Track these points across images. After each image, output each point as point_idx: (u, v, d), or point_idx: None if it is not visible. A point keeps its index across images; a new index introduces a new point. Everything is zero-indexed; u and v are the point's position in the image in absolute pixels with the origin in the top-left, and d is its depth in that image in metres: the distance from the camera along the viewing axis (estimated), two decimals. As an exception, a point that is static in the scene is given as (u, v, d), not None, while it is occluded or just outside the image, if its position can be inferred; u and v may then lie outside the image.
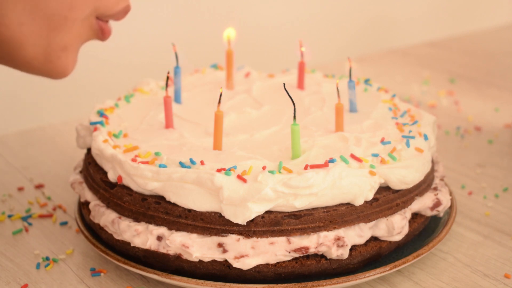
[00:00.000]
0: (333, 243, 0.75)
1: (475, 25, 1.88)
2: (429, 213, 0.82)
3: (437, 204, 0.82)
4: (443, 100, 1.26)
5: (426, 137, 0.83)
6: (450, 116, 1.19)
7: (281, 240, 0.74)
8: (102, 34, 0.76)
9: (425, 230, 0.84)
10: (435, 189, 0.84)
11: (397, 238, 0.78)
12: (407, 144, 0.81)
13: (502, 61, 1.45)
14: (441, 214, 0.84)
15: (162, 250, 0.76)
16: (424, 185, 0.82)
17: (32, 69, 0.74)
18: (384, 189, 0.78)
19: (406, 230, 0.79)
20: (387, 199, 0.78)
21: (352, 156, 0.78)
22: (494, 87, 1.31)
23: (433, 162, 0.86)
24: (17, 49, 0.71)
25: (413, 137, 0.82)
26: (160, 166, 0.76)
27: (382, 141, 0.82)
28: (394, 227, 0.78)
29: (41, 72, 0.74)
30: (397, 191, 0.79)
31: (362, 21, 1.84)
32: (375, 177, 0.77)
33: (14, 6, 0.69)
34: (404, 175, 0.78)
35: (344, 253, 0.75)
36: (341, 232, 0.75)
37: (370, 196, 0.76)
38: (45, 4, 0.70)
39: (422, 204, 0.82)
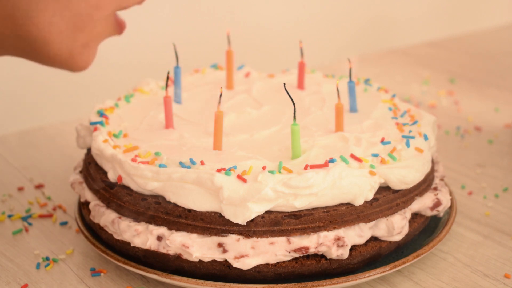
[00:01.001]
0: (333, 243, 0.75)
1: (475, 25, 1.88)
2: (429, 213, 0.82)
3: (437, 204, 0.82)
4: (443, 100, 1.26)
5: (426, 137, 0.83)
6: (450, 116, 1.19)
7: (281, 240, 0.74)
8: (120, 30, 0.78)
9: (425, 230, 0.84)
10: (435, 189, 0.84)
11: (397, 238, 0.78)
12: (407, 144, 0.81)
13: (502, 61, 1.45)
14: (441, 214, 0.84)
15: (162, 250, 0.76)
16: (424, 185, 0.82)
17: (54, 64, 0.75)
18: (384, 189, 0.78)
19: (406, 230, 0.79)
20: (387, 199, 0.78)
21: (352, 156, 0.78)
22: (494, 87, 1.31)
23: (433, 162, 0.86)
24: (43, 46, 0.72)
25: (413, 137, 0.82)
26: (160, 166, 0.76)
27: (382, 141, 0.82)
28: (394, 227, 0.78)
29: (62, 66, 0.76)
30: (397, 191, 0.79)
31: (362, 21, 1.84)
32: (375, 177, 0.77)
33: (46, 6, 0.70)
34: (404, 175, 0.78)
35: (344, 253, 0.75)
36: (341, 232, 0.75)
37: (370, 196, 0.76)
38: (74, 4, 0.71)
39: (422, 204, 0.82)
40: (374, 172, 0.77)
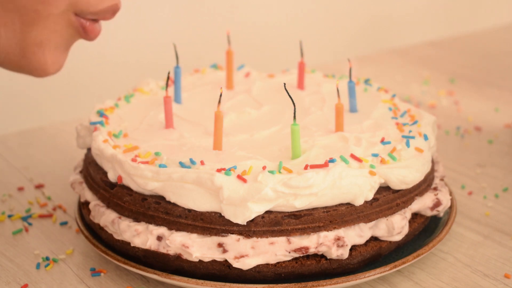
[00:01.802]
0: (333, 243, 0.75)
1: (475, 25, 1.88)
2: (429, 213, 0.82)
3: (437, 204, 0.82)
4: (443, 100, 1.26)
5: (426, 137, 0.83)
6: (450, 116, 1.19)
7: (281, 240, 0.74)
8: (85, 33, 0.73)
9: (425, 230, 0.84)
10: (435, 189, 0.84)
11: (397, 238, 0.78)
12: (407, 144, 0.81)
13: (502, 61, 1.45)
14: (441, 214, 0.84)
15: (162, 250, 0.76)
16: (424, 185, 0.82)
17: (10, 65, 0.72)
18: (384, 189, 0.78)
19: (406, 230, 0.79)
20: (387, 199, 0.78)
21: (352, 156, 0.77)
22: (494, 87, 1.31)
23: (433, 162, 0.86)
24: None
25: (413, 137, 0.82)
26: (160, 166, 0.76)
27: (382, 141, 0.82)
28: (394, 227, 0.78)
29: (20, 69, 0.72)
30: (397, 191, 0.79)
31: (362, 21, 1.84)
32: (375, 177, 0.77)
33: None
34: (404, 175, 0.78)
35: (344, 253, 0.75)
36: (341, 232, 0.75)
37: (370, 196, 0.76)
38: None
39: (422, 204, 0.82)
40: (374, 172, 0.77)
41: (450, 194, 0.89)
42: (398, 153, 0.80)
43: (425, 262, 0.82)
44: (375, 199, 0.77)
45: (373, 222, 0.78)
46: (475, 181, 0.99)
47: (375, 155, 0.79)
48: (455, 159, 1.05)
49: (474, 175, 1.01)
